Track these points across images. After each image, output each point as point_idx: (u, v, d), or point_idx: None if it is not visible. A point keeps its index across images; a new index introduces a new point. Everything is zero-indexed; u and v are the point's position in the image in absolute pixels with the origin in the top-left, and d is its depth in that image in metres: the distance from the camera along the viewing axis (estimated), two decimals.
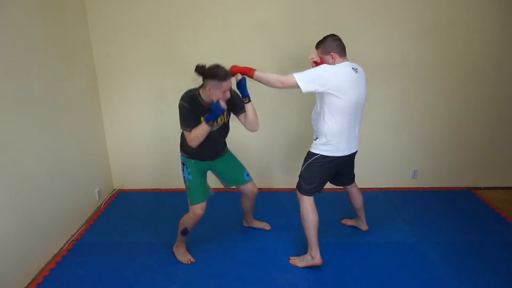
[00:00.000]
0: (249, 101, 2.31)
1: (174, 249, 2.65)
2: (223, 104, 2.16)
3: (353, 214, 3.01)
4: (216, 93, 2.16)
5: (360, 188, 3.61)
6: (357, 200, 2.81)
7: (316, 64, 2.44)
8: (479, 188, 3.66)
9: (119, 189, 3.70)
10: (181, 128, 2.28)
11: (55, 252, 2.71)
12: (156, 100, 3.41)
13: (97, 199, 3.37)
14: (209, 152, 2.45)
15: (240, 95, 2.32)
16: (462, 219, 3.13)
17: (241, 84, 2.28)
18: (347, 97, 2.22)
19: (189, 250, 2.67)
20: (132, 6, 3.13)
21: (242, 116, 2.37)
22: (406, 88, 3.35)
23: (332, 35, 2.34)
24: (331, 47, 2.28)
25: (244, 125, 2.40)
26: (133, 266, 2.56)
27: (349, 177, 2.75)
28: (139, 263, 2.59)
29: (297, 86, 2.18)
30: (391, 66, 3.27)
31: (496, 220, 3.12)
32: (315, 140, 2.41)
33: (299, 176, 2.52)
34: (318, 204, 3.35)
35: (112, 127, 3.51)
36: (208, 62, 3.22)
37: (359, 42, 3.16)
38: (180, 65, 3.30)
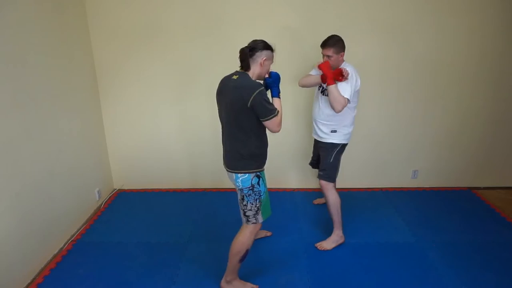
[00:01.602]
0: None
1: (226, 286, 2.30)
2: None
3: (350, 214, 3.01)
4: (269, 64, 2.11)
5: (360, 188, 3.66)
6: None
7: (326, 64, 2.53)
8: (479, 188, 3.66)
9: (119, 189, 3.70)
10: (268, 118, 1.96)
11: (55, 252, 2.71)
12: (156, 100, 3.41)
13: (97, 199, 3.37)
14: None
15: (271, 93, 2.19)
16: (462, 219, 3.13)
17: (274, 78, 2.16)
18: (359, 91, 2.58)
19: (187, 251, 2.66)
20: (132, 6, 3.13)
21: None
22: (406, 88, 3.35)
23: (337, 35, 2.52)
24: (341, 47, 2.52)
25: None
26: (133, 266, 2.56)
27: None
28: (139, 263, 2.59)
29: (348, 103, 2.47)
30: (391, 66, 3.28)
31: (496, 220, 3.12)
32: (334, 132, 2.64)
33: (326, 169, 2.69)
34: (317, 207, 3.36)
35: (112, 127, 3.51)
36: (210, 65, 3.26)
37: (359, 43, 3.17)
38: (180, 65, 3.30)
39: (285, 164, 3.60)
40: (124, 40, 3.22)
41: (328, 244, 2.73)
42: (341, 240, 2.75)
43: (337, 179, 2.79)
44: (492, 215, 3.20)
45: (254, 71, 2.07)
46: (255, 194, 2.11)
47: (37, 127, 2.52)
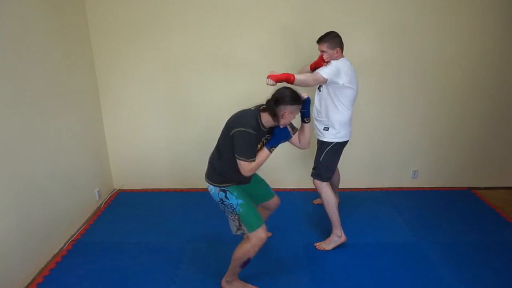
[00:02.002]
0: (310, 120, 2.21)
1: (226, 286, 2.33)
2: (290, 129, 2.10)
3: (351, 214, 3.00)
4: (291, 118, 2.04)
5: (360, 188, 3.65)
6: (338, 178, 3.15)
7: (320, 58, 2.58)
8: (479, 188, 3.66)
9: (119, 189, 3.70)
10: (240, 158, 1.98)
11: (55, 252, 2.71)
12: (156, 100, 3.41)
13: (97, 199, 3.37)
14: (250, 176, 2.18)
15: (302, 115, 2.18)
16: (462, 219, 3.13)
17: (307, 104, 2.12)
18: (355, 87, 2.55)
19: (187, 251, 2.66)
20: (132, 5, 3.12)
21: (295, 136, 2.25)
22: (406, 88, 3.35)
23: (334, 32, 2.54)
24: (336, 42, 2.51)
25: (294, 145, 2.28)
26: (133, 266, 2.56)
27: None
28: (139, 263, 2.59)
29: (325, 81, 2.42)
30: (391, 66, 3.27)
31: (496, 220, 3.12)
32: (326, 130, 2.62)
33: (316, 168, 2.70)
34: (317, 207, 3.36)
35: (112, 127, 3.51)
36: (210, 65, 3.26)
37: (359, 43, 3.17)
38: (181, 65, 3.30)
39: (285, 164, 3.60)
40: (124, 39, 3.21)
41: (326, 244, 2.73)
42: (341, 240, 2.73)
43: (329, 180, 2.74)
44: (492, 215, 3.20)
45: (272, 118, 2.03)
46: (227, 207, 2.18)
47: (37, 127, 2.52)
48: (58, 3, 2.77)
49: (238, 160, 2.00)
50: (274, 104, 1.98)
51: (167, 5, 3.13)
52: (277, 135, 2.07)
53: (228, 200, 2.15)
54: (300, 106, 2.07)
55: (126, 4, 3.12)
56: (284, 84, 2.20)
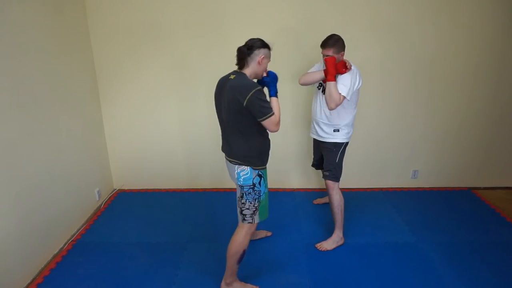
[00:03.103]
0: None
1: None
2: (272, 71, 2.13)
3: (350, 214, 3.00)
4: (266, 63, 2.10)
5: (360, 188, 3.66)
6: None
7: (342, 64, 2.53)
8: (479, 188, 3.66)
9: (119, 189, 3.70)
10: (265, 118, 1.94)
11: (55, 252, 2.71)
12: (156, 99, 3.41)
13: (97, 199, 3.37)
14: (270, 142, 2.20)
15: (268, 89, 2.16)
16: (462, 219, 3.13)
17: (272, 78, 2.15)
18: (359, 90, 2.58)
19: (187, 251, 2.66)
20: (132, 5, 3.13)
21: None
22: (406, 88, 3.35)
23: (337, 35, 2.50)
24: (341, 46, 2.50)
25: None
26: (133, 266, 2.56)
27: None
28: (139, 263, 2.59)
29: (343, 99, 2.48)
30: (391, 66, 3.28)
31: (496, 220, 3.12)
32: (336, 132, 2.63)
33: (332, 169, 2.69)
34: (317, 207, 3.36)
35: (112, 127, 3.51)
36: (210, 65, 3.26)
37: (359, 43, 3.17)
38: (180, 65, 3.30)
39: (285, 164, 3.60)
40: (124, 40, 3.22)
41: (328, 244, 2.73)
42: (341, 242, 2.75)
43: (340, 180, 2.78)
44: (492, 215, 3.20)
45: (252, 70, 2.07)
46: (255, 194, 2.11)
47: (37, 127, 2.52)
48: (58, 4, 2.77)
49: (265, 121, 1.96)
50: (247, 50, 2.03)
51: (168, 5, 3.13)
52: (270, 82, 2.11)
53: (259, 186, 2.13)
54: (270, 51, 2.10)
55: (126, 4, 3.12)
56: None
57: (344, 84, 2.45)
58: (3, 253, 2.20)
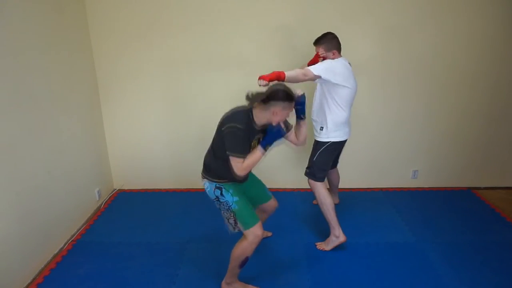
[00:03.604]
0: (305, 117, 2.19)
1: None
2: (283, 127, 2.04)
3: (351, 214, 3.00)
4: (284, 115, 2.00)
5: (360, 188, 3.66)
6: (337, 178, 3.18)
7: (324, 59, 2.57)
8: (479, 188, 3.66)
9: (119, 189, 3.70)
10: (231, 155, 1.97)
11: (55, 252, 2.71)
12: (156, 99, 3.41)
13: (97, 199, 3.37)
14: (246, 175, 2.18)
15: (297, 112, 2.16)
16: (462, 219, 3.13)
17: (302, 102, 2.11)
18: (352, 87, 2.52)
19: (187, 251, 2.65)
20: (132, 5, 3.13)
21: (291, 134, 2.23)
22: (406, 88, 3.35)
23: (331, 33, 2.52)
24: (333, 44, 2.51)
25: (292, 142, 2.26)
26: (133, 266, 2.56)
27: (337, 160, 3.06)
28: (139, 263, 2.59)
29: (315, 77, 2.39)
30: (391, 66, 3.27)
31: (496, 220, 3.12)
32: (321, 130, 2.62)
33: (310, 167, 2.70)
34: (317, 207, 3.36)
35: (112, 127, 3.51)
36: (209, 65, 3.26)
37: (359, 43, 3.17)
38: (180, 65, 3.30)
39: (284, 164, 3.60)
40: (124, 40, 3.21)
41: (326, 245, 2.72)
42: (340, 240, 2.69)
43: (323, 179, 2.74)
44: (492, 215, 3.20)
45: (264, 115, 2.00)
46: (223, 205, 2.17)
47: (37, 127, 2.52)
48: (58, 3, 2.77)
49: (230, 157, 1.98)
50: (266, 100, 1.95)
51: (167, 5, 3.13)
52: (270, 133, 2.02)
53: (223, 197, 2.14)
54: (293, 103, 2.03)
55: (126, 4, 3.12)
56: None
57: (319, 63, 2.45)
58: (3, 253, 2.20)
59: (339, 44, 2.53)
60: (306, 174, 2.73)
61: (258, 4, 3.12)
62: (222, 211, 2.22)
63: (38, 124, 2.53)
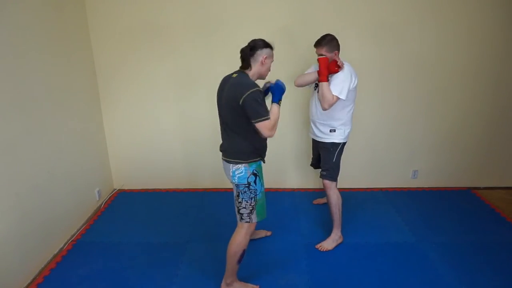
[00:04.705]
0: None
1: None
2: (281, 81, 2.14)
3: (350, 214, 3.00)
4: (269, 63, 2.11)
5: (360, 188, 3.66)
6: None
7: (338, 67, 2.51)
8: (479, 188, 3.66)
9: (119, 189, 3.70)
10: (259, 120, 1.94)
11: (55, 252, 2.71)
12: (156, 99, 3.41)
13: (97, 199, 3.37)
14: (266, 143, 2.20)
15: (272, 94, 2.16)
16: (462, 219, 3.13)
17: (278, 84, 2.14)
18: (356, 88, 2.56)
19: (187, 251, 2.65)
20: (132, 6, 3.13)
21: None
22: (406, 88, 3.35)
23: (330, 35, 2.51)
24: (334, 45, 2.49)
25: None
26: (133, 266, 2.56)
27: None
28: (139, 263, 2.59)
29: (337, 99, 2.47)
30: (391, 66, 3.28)
31: (496, 220, 3.12)
32: (333, 132, 2.63)
33: (329, 169, 2.69)
34: (317, 207, 3.36)
35: (112, 127, 3.51)
36: (209, 65, 3.26)
37: (359, 43, 3.17)
38: (180, 65, 3.30)
39: (284, 164, 3.60)
40: (124, 40, 3.22)
41: (328, 243, 2.73)
42: (340, 240, 2.76)
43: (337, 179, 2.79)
44: (492, 215, 3.20)
45: (255, 70, 2.10)
46: (250, 192, 2.11)
47: (37, 127, 2.52)
48: (58, 4, 2.77)
49: (258, 124, 1.95)
50: (250, 51, 2.05)
51: (167, 5, 3.13)
52: (277, 90, 2.10)
53: (255, 185, 2.11)
54: (273, 52, 2.11)
55: (126, 4, 3.12)
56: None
57: (337, 84, 2.44)
58: (3, 253, 2.20)
59: (339, 45, 2.53)
60: (325, 176, 2.69)
61: (260, 6, 3.11)
62: (241, 198, 2.12)
63: (38, 124, 2.53)
